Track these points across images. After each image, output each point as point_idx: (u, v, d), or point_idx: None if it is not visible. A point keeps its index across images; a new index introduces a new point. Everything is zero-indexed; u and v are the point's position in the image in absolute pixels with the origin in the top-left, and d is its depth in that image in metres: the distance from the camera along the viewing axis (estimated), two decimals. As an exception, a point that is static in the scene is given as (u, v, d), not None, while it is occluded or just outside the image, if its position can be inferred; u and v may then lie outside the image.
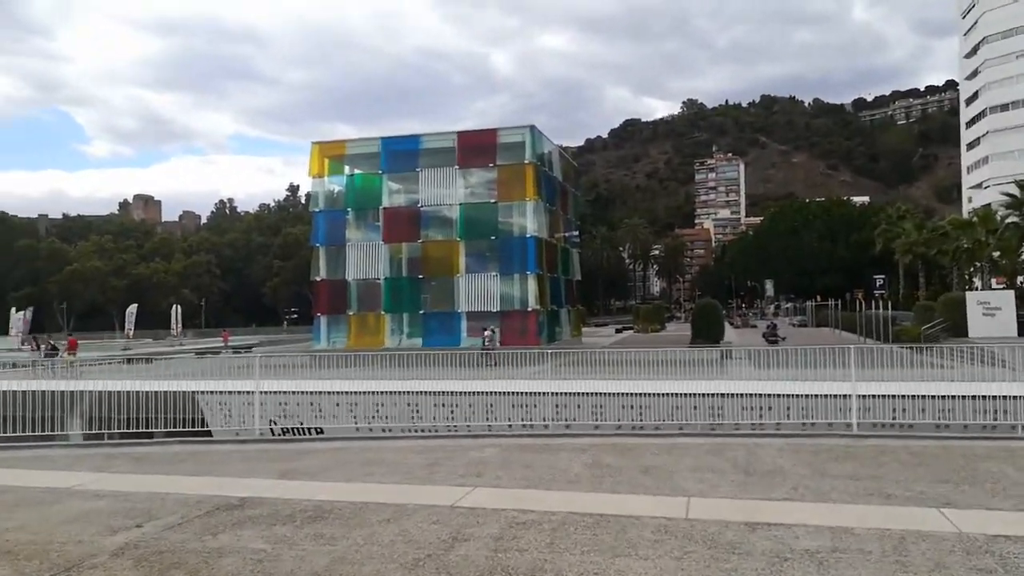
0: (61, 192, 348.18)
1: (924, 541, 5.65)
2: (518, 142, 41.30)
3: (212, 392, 21.38)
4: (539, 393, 20.45)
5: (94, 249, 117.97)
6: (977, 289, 50.75)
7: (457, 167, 41.93)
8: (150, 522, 6.71)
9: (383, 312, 43.20)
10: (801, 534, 5.85)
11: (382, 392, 22.19)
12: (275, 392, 23.03)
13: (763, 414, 18.75)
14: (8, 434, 13.07)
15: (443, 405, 21.35)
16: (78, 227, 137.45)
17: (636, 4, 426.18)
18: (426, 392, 21.32)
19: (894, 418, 13.39)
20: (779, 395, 18.16)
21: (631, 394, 19.25)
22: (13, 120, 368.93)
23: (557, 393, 20.49)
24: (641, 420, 19.61)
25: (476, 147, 42.06)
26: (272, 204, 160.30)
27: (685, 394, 18.44)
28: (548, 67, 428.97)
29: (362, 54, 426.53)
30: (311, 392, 23.23)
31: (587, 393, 20.13)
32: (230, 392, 19.94)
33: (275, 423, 24.76)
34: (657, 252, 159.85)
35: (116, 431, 12.86)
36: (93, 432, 13.42)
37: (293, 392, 23.11)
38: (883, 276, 70.56)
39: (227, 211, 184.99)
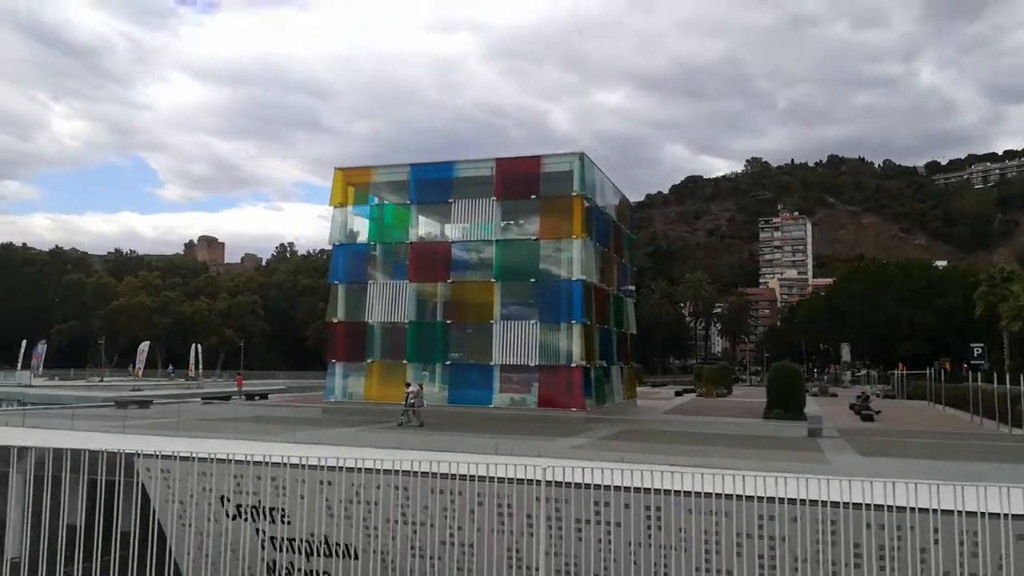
0: (134, 233, 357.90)
1: None
2: (565, 171, 35.52)
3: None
4: (564, 485, 14.33)
5: (141, 285, 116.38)
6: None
7: (495, 199, 36.44)
8: None
9: (406, 361, 37.54)
10: None
11: (359, 470, 16.07)
12: (225, 460, 17.28)
13: (903, 535, 12.34)
14: None
15: (440, 492, 15.48)
16: (130, 263, 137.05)
17: (692, 65, 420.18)
18: (418, 473, 15.28)
19: None
20: (932, 511, 11.66)
21: (699, 494, 13.13)
22: (92, 164, 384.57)
23: (592, 486, 14.32)
24: (716, 538, 13.40)
25: (517, 176, 36.50)
26: (329, 248, 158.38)
27: (778, 499, 12.35)
28: (605, 123, 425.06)
29: (423, 107, 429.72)
30: (270, 463, 17.17)
31: (637, 489, 13.72)
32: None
33: (227, 499, 19.19)
34: (720, 310, 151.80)
35: None
36: None
37: (249, 461, 17.12)
38: (982, 345, 62.56)
39: (287, 255, 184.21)
